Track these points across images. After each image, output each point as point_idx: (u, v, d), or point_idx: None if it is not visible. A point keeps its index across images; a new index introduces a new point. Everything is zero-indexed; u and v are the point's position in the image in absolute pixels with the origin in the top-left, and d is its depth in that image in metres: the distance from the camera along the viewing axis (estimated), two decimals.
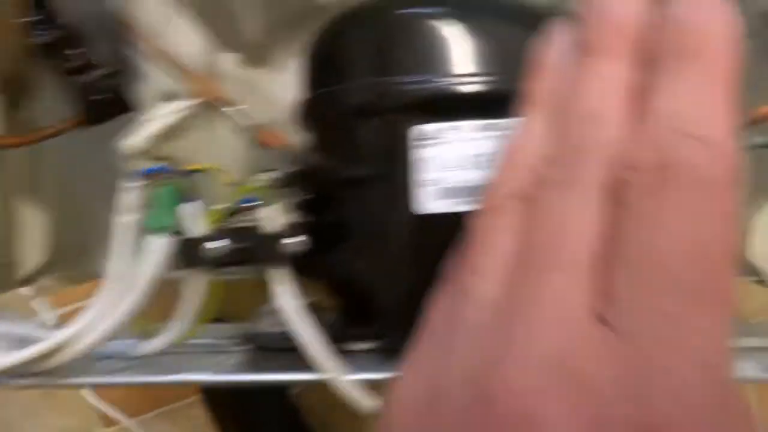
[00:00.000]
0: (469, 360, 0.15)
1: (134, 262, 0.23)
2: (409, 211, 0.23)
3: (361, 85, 0.23)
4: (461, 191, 0.22)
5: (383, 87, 0.23)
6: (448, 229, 0.21)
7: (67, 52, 0.25)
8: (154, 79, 0.25)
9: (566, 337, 0.14)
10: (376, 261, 0.24)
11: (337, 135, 0.24)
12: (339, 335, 0.27)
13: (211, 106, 0.22)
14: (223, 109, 0.22)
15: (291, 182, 0.24)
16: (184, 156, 0.25)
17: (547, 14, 0.25)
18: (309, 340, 0.23)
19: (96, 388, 0.60)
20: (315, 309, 0.29)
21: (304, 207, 0.25)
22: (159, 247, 0.23)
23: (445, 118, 0.22)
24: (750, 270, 0.35)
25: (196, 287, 0.24)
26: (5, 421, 0.61)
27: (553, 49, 0.19)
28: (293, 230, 0.24)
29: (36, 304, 0.60)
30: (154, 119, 0.23)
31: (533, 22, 0.24)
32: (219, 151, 0.29)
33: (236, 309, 0.27)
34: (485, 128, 0.22)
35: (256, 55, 0.33)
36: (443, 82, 0.23)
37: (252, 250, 0.23)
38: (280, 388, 0.57)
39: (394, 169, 0.23)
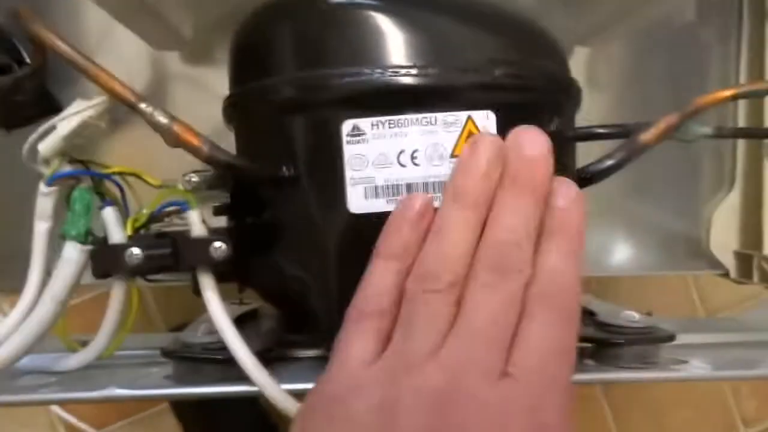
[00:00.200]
0: None
1: (51, 272, 0.22)
2: (341, 210, 0.21)
3: (287, 80, 0.22)
4: (395, 189, 0.21)
5: (311, 80, 0.22)
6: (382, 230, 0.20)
7: None
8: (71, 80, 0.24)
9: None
10: (308, 264, 0.22)
11: (263, 132, 0.23)
12: (277, 342, 0.26)
13: (124, 103, 0.20)
14: (140, 107, 0.20)
15: (217, 184, 0.23)
16: (104, 159, 0.23)
17: (485, 6, 0.24)
18: (237, 348, 0.21)
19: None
20: (253, 315, 0.28)
21: (231, 209, 0.24)
22: (74, 255, 0.22)
23: (379, 113, 0.21)
24: (713, 263, 0.34)
25: (117, 296, 0.22)
26: None
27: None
28: (220, 234, 0.22)
29: None
30: (67, 118, 0.21)
31: (470, 13, 0.23)
32: (141, 153, 0.28)
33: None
34: (421, 122, 0.21)
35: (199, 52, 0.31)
36: (376, 74, 0.21)
37: (176, 256, 0.22)
38: None
39: (325, 167, 0.21)
